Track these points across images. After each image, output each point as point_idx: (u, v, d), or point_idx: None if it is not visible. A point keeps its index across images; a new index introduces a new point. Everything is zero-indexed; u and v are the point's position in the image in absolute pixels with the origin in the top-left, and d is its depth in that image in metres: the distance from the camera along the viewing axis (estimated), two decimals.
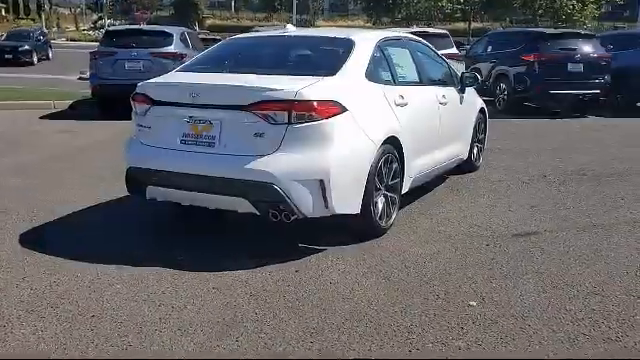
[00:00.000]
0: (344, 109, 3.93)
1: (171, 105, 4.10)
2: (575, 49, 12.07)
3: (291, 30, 5.08)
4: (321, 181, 3.79)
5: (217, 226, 4.71)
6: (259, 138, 3.80)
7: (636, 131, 10.59)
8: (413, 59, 5.31)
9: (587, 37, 12.76)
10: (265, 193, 3.79)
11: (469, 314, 3.22)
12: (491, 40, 13.77)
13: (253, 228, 4.59)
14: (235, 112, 3.86)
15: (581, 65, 11.94)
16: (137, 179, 4.25)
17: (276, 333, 3.01)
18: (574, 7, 33.17)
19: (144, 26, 13.87)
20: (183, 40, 12.00)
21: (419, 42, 5.76)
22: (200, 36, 16.87)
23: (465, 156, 6.36)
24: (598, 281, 3.68)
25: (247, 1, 57.63)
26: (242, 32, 12.24)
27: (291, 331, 3.03)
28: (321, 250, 4.16)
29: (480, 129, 6.80)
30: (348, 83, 4.18)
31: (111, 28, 13.36)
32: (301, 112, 3.76)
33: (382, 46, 4.78)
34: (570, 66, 11.90)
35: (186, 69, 4.67)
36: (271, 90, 3.81)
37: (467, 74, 6.14)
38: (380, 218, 4.35)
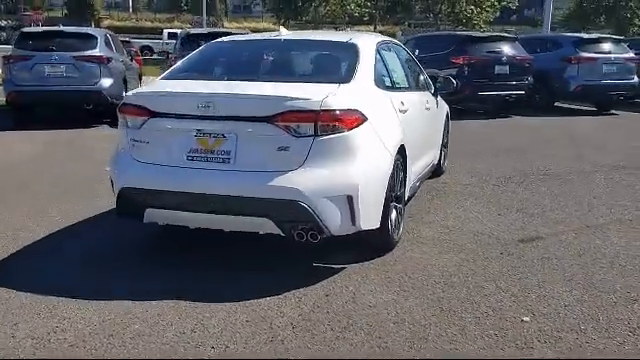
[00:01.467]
0: (365, 118, 3.69)
1: (175, 117, 3.67)
2: (501, 51, 12.53)
3: (285, 33, 4.75)
4: (349, 197, 3.53)
5: (213, 249, 4.30)
6: (283, 152, 3.47)
7: (573, 129, 11.00)
8: (401, 63, 5.17)
9: (510, 40, 13.30)
10: (292, 212, 3.47)
11: (529, 331, 3.09)
12: (418, 43, 13.99)
13: (254, 249, 4.23)
14: (255, 124, 3.51)
15: (507, 67, 12.41)
16: (133, 201, 3.77)
17: None
18: (472, 11, 34.84)
19: (64, 27, 12.73)
20: (107, 42, 11.17)
21: (399, 45, 5.63)
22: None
23: (437, 161, 6.33)
24: (627, 285, 3.70)
25: (150, 1, 55.44)
26: (141, 33, 11.71)
27: None
28: (340, 269, 3.89)
29: (446, 133, 6.81)
30: (363, 90, 3.95)
31: (26, 29, 12.16)
32: (327, 123, 3.48)
33: (380, 50, 4.59)
34: (497, 68, 12.33)
35: (179, 76, 4.20)
36: (296, 99, 3.49)
37: (442, 78, 6.09)
38: (393, 231, 4.16)
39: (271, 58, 4.54)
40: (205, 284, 3.65)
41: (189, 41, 11.04)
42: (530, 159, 7.77)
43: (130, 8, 58.45)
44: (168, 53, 13.72)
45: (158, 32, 40.90)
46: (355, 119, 3.60)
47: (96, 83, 10.35)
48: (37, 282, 3.67)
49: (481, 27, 35.65)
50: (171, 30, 37.60)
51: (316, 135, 3.47)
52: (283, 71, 4.38)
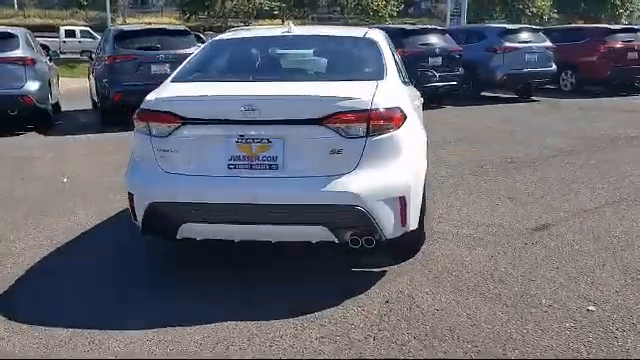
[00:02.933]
0: (405, 116, 3.58)
1: (211, 123, 3.37)
2: (434, 43, 12.83)
3: (295, 29, 4.51)
4: (402, 198, 3.41)
5: (234, 265, 4.02)
6: (336, 155, 3.28)
7: (510, 116, 11.37)
8: (395, 56, 5.10)
9: (442, 32, 13.65)
10: (349, 218, 3.29)
11: (602, 320, 3.13)
12: None
13: (279, 261, 4.00)
14: (304, 127, 3.29)
15: (440, 59, 12.73)
16: (165, 217, 3.43)
17: None
18: (379, 4, 35.55)
19: None
20: (28, 43, 10.26)
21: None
22: None
23: None
24: None
25: None
26: (32, 32, 10.75)
27: None
28: (381, 273, 3.77)
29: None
30: (396, 87, 3.83)
31: None
32: (378, 122, 3.33)
33: (389, 44, 4.49)
34: (431, 60, 12.61)
35: (197, 78, 3.86)
36: (346, 99, 3.31)
37: (426, 71, 6.09)
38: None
39: (293, 56, 4.32)
40: (250, 301, 3.40)
41: (123, 39, 10.35)
42: (489, 148, 7.98)
43: (15, 4, 54.27)
44: (91, 53, 12.80)
45: (50, 30, 38.24)
46: (400, 117, 3.48)
47: (22, 87, 9.48)
48: (34, 308, 3.28)
49: (386, 20, 36.47)
50: (68, 28, 35.26)
51: (368, 135, 3.31)
52: (312, 69, 4.17)
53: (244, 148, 3.34)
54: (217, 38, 4.49)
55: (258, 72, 3.96)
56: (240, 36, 4.79)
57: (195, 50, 10.50)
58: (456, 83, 13.03)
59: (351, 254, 3.81)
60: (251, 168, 3.34)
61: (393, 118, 3.38)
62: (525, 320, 3.14)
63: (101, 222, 4.95)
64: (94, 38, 33.71)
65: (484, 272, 3.78)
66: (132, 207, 3.61)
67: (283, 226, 3.34)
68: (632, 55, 14.79)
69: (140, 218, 3.52)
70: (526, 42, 13.84)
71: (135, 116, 3.57)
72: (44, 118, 10.11)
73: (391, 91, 3.64)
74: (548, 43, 14.02)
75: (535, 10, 38.54)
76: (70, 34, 33.84)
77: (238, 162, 3.34)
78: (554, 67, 13.97)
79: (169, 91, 3.61)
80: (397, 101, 3.55)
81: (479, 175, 6.47)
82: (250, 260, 3.98)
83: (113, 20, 41.41)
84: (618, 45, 14.74)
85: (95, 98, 11.33)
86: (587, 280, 3.63)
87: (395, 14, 38.33)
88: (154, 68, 10.10)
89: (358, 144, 3.30)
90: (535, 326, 3.07)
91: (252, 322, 3.12)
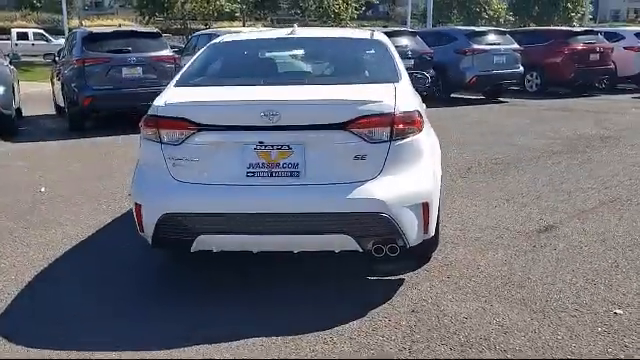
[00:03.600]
0: (423, 120, 3.50)
1: (228, 129, 3.21)
2: (407, 46, 12.86)
3: (300, 31, 4.36)
4: (425, 204, 3.31)
5: (245, 274, 3.87)
6: (360, 161, 3.17)
7: (484, 118, 11.46)
8: None
9: (412, 34, 13.70)
10: (374, 225, 3.18)
11: (631, 322, 3.11)
12: None
13: (290, 271, 3.87)
14: (327, 132, 3.16)
15: (412, 61, 12.75)
16: (179, 229, 3.24)
17: None
18: (340, 7, 35.65)
19: None
20: None
21: None
22: None
23: None
24: None
25: None
26: None
27: None
28: (398, 281, 3.68)
29: None
30: (410, 89, 3.74)
31: None
32: (402, 126, 3.23)
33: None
34: (404, 62, 12.58)
35: (204, 83, 3.68)
36: (370, 102, 3.20)
37: (418, 74, 6.01)
38: None
39: (303, 58, 4.17)
40: (273, 315, 3.25)
41: (92, 41, 9.97)
42: (471, 150, 7.98)
43: None
44: (54, 56, 12.28)
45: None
46: (421, 120, 3.39)
47: None
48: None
49: (347, 23, 36.62)
50: (20, 30, 34.00)
51: (392, 140, 3.21)
52: (325, 72, 4.04)
53: (263, 155, 3.19)
54: (218, 40, 4.30)
55: (269, 76, 3.80)
56: (243, 38, 4.63)
57: (167, 52, 10.37)
58: (428, 85, 13.03)
59: (364, 262, 3.72)
60: (271, 176, 3.19)
61: (415, 122, 3.29)
62: (556, 326, 3.09)
63: (91, 234, 4.70)
64: (48, 41, 32.68)
65: (502, 277, 3.72)
66: (139, 219, 3.41)
67: (305, 236, 3.20)
68: (594, 57, 15.17)
69: (150, 230, 3.32)
70: (494, 44, 14.02)
71: (142, 123, 3.38)
72: (8, 124, 9.65)
73: (409, 94, 3.55)
74: (515, 45, 14.24)
75: (492, 13, 39.34)
76: (22, 36, 32.61)
77: (257, 170, 3.19)
78: (521, 69, 14.21)
79: (180, 96, 3.42)
80: (416, 104, 3.47)
81: (469, 177, 6.46)
82: (263, 273, 3.82)
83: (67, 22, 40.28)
84: (580, 47, 15.08)
85: (61, 103, 10.89)
86: (605, 282, 3.62)
87: (356, 17, 38.53)
88: (125, 71, 9.81)
89: (382, 149, 3.19)
90: (568, 332, 3.03)
91: (279, 337, 2.98)
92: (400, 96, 3.34)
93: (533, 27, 26.26)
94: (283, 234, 3.21)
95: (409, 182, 3.26)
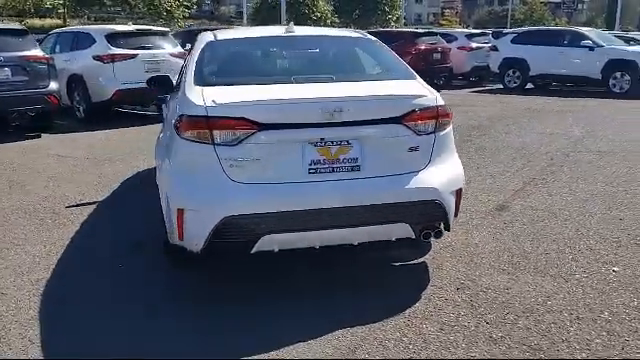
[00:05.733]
0: None
1: (289, 127, 3.17)
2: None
3: (297, 29, 4.29)
4: (459, 190, 3.60)
5: (266, 279, 3.83)
6: (413, 152, 3.34)
7: None
8: None
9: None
10: (429, 212, 3.38)
11: (629, 278, 3.70)
12: (185, 38, 13.52)
13: (302, 270, 3.91)
14: (384, 126, 3.28)
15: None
16: (242, 231, 3.13)
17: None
18: (172, 5, 34.64)
19: None
20: None
21: None
22: None
23: None
24: None
25: None
26: None
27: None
28: (422, 265, 3.93)
29: None
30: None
31: None
32: (443, 118, 3.47)
33: None
34: None
35: (229, 81, 3.52)
36: (419, 97, 3.39)
37: None
38: None
39: (319, 56, 4.16)
40: (335, 311, 3.31)
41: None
42: None
43: None
44: None
45: None
46: (451, 113, 3.65)
47: None
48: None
49: (178, 21, 35.75)
50: None
51: (436, 131, 3.44)
52: (348, 69, 4.07)
53: (323, 151, 3.22)
54: (213, 39, 4.11)
55: (296, 73, 3.74)
56: (246, 36, 4.47)
57: (37, 52, 9.35)
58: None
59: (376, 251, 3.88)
60: (333, 171, 3.23)
61: (449, 114, 3.55)
62: (582, 287, 3.56)
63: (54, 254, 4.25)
64: None
65: (502, 251, 4.14)
66: (183, 226, 3.22)
67: (366, 227, 3.30)
68: (436, 56, 16.77)
69: (203, 236, 3.15)
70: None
71: (186, 124, 3.19)
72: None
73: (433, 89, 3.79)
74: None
75: (319, 15, 41.06)
76: None
77: (319, 166, 3.21)
78: None
79: (226, 95, 3.27)
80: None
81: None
82: (304, 272, 3.82)
83: None
84: (425, 47, 16.57)
85: None
86: (583, 247, 4.22)
87: (187, 15, 37.75)
88: None
89: (429, 140, 3.41)
90: (593, 290, 3.50)
91: (362, 327, 3.05)
92: (434, 90, 3.58)
93: (385, 29, 28.00)
94: (346, 227, 3.26)
95: (450, 170, 3.52)
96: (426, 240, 3.53)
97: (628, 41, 17.51)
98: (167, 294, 3.60)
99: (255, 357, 2.83)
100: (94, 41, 10.67)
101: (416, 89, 3.53)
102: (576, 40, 15.46)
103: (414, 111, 3.34)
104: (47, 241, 4.48)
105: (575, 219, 4.83)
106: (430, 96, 3.45)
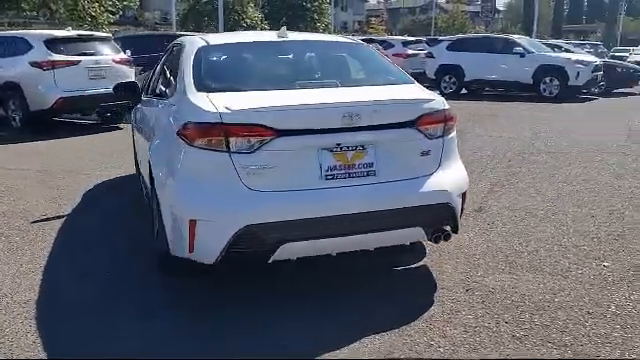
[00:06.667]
0: None
1: (306, 133, 3.10)
2: None
3: (290, 35, 4.18)
4: (464, 193, 3.64)
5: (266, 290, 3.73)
6: (425, 156, 3.36)
7: None
8: None
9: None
10: (441, 215, 3.40)
11: (620, 272, 3.87)
12: (132, 43, 13.09)
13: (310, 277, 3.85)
14: (398, 130, 3.28)
15: None
16: (262, 240, 3.03)
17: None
18: (96, 10, 33.38)
19: None
20: None
21: None
22: None
23: None
24: None
25: None
26: None
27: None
28: (423, 268, 3.95)
29: None
30: None
31: None
32: (449, 122, 3.51)
33: None
34: None
35: (235, 87, 3.40)
36: (428, 101, 3.41)
37: None
38: None
39: (319, 61, 4.08)
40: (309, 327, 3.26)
41: None
42: None
43: None
44: None
45: None
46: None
47: None
48: None
49: (103, 27, 34.52)
50: None
51: (444, 135, 3.47)
52: (349, 74, 4.02)
53: (340, 157, 3.17)
54: (205, 44, 3.94)
55: (300, 79, 3.65)
56: (240, 41, 4.31)
57: None
58: None
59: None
60: (349, 177, 3.19)
61: (454, 118, 3.59)
62: (581, 283, 3.68)
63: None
64: None
65: (494, 251, 4.23)
66: (195, 237, 3.08)
67: (384, 232, 3.28)
68: None
69: (219, 247, 3.03)
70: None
71: (198, 132, 3.05)
72: None
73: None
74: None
75: (249, 21, 40.82)
76: None
77: (335, 172, 3.16)
78: None
79: (244, 102, 3.15)
80: None
81: None
82: (310, 282, 3.74)
83: None
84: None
85: None
86: (568, 244, 4.38)
87: (112, 21, 36.54)
88: None
89: (439, 144, 3.44)
90: (593, 287, 3.63)
91: (387, 333, 3.03)
92: (438, 95, 3.62)
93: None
94: (364, 233, 3.23)
95: (457, 173, 3.57)
96: (436, 243, 3.54)
97: (553, 48, 18.46)
98: (164, 298, 3.45)
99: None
100: (31, 47, 10.07)
101: (425, 93, 3.56)
102: (508, 47, 16.17)
103: (426, 115, 3.36)
104: (21, 260, 4.17)
105: (551, 218, 5.02)
106: (438, 100, 3.48)
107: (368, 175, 3.23)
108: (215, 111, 3.07)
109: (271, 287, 3.64)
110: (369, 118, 3.19)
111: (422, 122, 3.34)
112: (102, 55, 10.59)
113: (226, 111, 3.05)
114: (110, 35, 12.03)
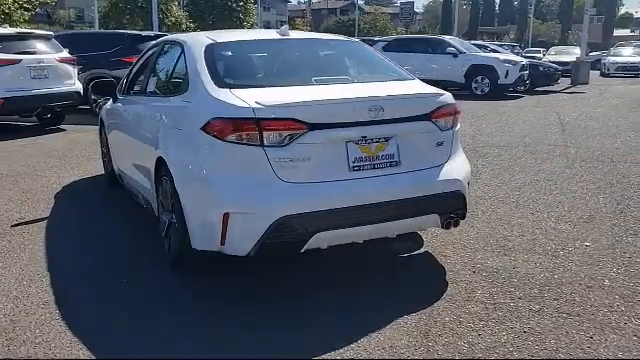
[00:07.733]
0: None
1: (335, 127, 3.23)
2: None
3: (293, 33, 4.23)
4: (469, 182, 3.89)
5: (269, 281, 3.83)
6: (439, 147, 3.58)
7: None
8: None
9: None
10: (454, 202, 3.62)
11: (601, 249, 4.25)
12: (71, 41, 12.55)
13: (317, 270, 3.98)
14: (416, 123, 3.48)
15: None
16: (297, 230, 3.13)
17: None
18: (10, 7, 31.67)
19: None
20: None
21: None
22: None
23: None
24: None
25: None
26: None
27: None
28: (427, 254, 4.17)
29: None
30: None
31: None
32: (457, 115, 3.74)
33: None
34: None
35: (256, 83, 3.55)
36: (440, 95, 3.64)
37: None
38: None
39: (326, 59, 4.19)
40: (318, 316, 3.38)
41: None
42: None
43: None
44: None
45: None
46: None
47: None
48: None
49: (19, 25, 32.82)
50: None
51: (453, 127, 3.70)
52: (357, 71, 4.14)
53: (365, 149, 3.33)
54: (213, 42, 3.94)
55: (313, 75, 3.76)
56: (245, 38, 4.34)
57: None
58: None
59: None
60: (374, 168, 3.36)
61: (460, 111, 3.83)
62: (574, 263, 3.99)
63: None
64: None
65: (484, 236, 4.52)
66: (227, 229, 3.15)
67: (405, 219, 3.46)
68: None
69: (254, 239, 3.12)
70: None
71: (230, 126, 3.11)
72: None
73: None
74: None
75: (173, 20, 40.04)
76: None
77: (361, 163, 3.32)
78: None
79: (274, 97, 3.24)
80: None
81: None
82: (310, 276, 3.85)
83: None
84: None
85: None
86: (547, 227, 4.74)
87: (27, 19, 34.77)
88: None
89: (450, 135, 3.66)
90: (584, 265, 3.97)
91: (415, 314, 3.21)
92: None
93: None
94: (388, 221, 3.39)
95: (464, 163, 3.83)
96: (447, 229, 3.76)
97: (480, 48, 19.40)
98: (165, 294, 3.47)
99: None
100: None
101: (435, 89, 3.77)
102: (441, 47, 16.88)
103: (439, 108, 3.58)
104: (17, 263, 4.03)
105: (524, 205, 5.39)
106: (448, 94, 3.70)
107: (391, 165, 3.41)
108: (248, 106, 3.14)
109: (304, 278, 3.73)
110: (391, 111, 3.37)
111: (436, 115, 3.56)
112: (44, 54, 10.16)
113: (259, 106, 3.13)
114: (51, 33, 11.53)
